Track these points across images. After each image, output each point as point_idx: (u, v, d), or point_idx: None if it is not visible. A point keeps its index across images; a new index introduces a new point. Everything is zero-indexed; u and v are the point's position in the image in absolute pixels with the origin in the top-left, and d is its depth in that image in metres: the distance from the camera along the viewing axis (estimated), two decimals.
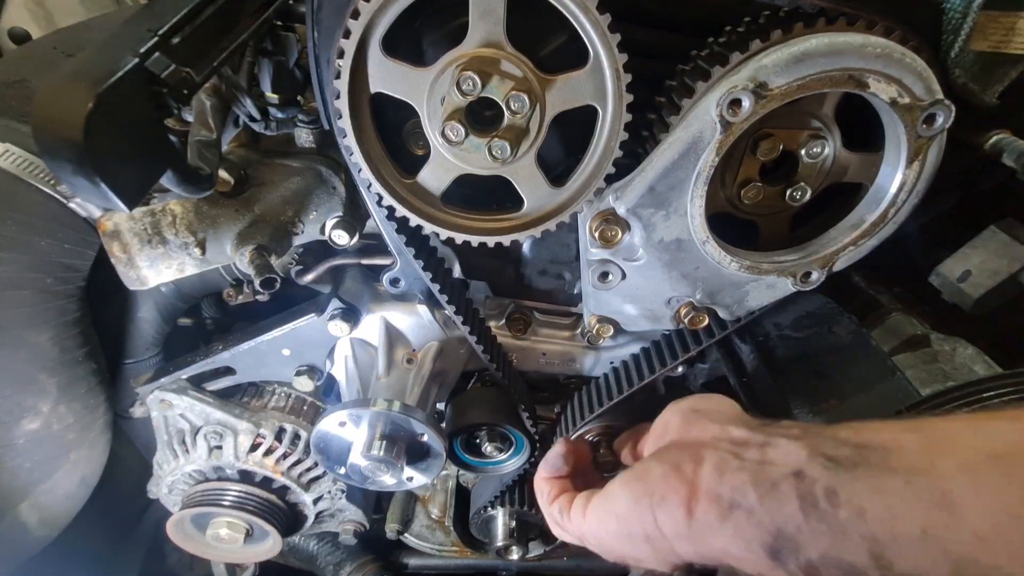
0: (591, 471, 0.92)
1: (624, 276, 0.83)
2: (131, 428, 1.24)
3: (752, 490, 0.49)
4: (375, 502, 1.45)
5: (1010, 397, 0.72)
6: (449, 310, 0.95)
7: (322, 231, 0.95)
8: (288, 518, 1.24)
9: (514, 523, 1.32)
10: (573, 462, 0.80)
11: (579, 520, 0.67)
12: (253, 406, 1.17)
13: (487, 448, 1.13)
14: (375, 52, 0.64)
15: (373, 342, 1.08)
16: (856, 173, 0.76)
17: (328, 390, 1.24)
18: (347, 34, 0.62)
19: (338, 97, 0.66)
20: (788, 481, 0.48)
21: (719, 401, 0.65)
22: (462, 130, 0.67)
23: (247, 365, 1.11)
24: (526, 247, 1.02)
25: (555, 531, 0.73)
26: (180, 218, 0.89)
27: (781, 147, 0.73)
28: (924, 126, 0.66)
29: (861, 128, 0.73)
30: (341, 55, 0.63)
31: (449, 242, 0.79)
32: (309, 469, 1.19)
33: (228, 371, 1.13)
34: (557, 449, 0.81)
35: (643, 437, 0.74)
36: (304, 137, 0.91)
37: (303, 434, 1.16)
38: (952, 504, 0.41)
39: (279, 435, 1.15)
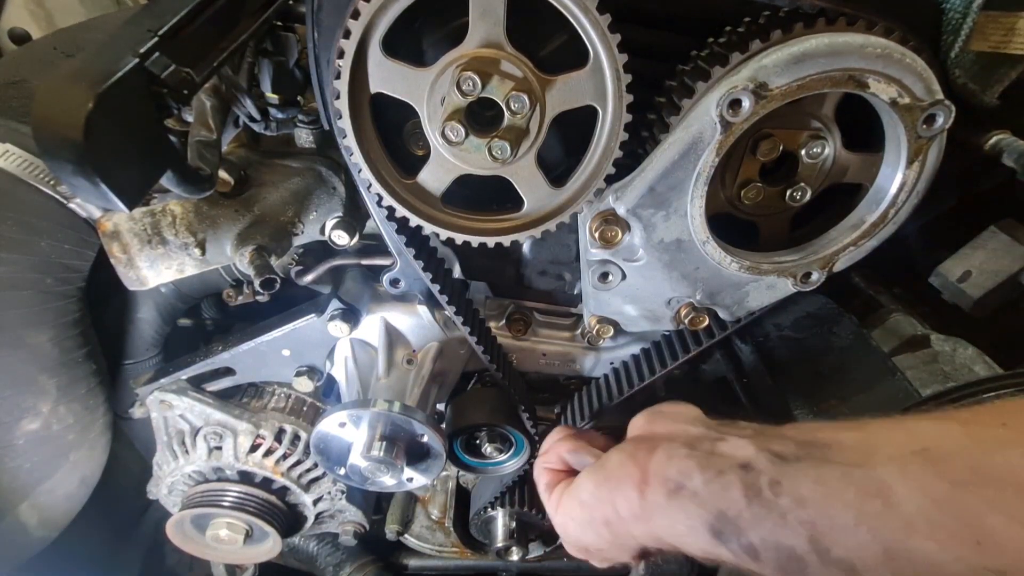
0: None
1: (624, 276, 0.83)
2: (131, 429, 1.24)
3: (698, 474, 0.54)
4: (375, 503, 1.44)
5: (1010, 397, 0.72)
6: (449, 311, 0.94)
7: (322, 231, 0.95)
8: (288, 519, 1.24)
9: (514, 524, 1.32)
10: (573, 449, 0.81)
11: (552, 510, 0.72)
12: (253, 407, 1.17)
13: (487, 449, 1.13)
14: (375, 52, 0.64)
15: (373, 343, 1.08)
16: (856, 173, 0.76)
17: (328, 391, 1.23)
18: (347, 34, 0.62)
19: (338, 97, 0.66)
20: (734, 471, 0.52)
21: (683, 405, 0.69)
22: (462, 130, 0.67)
23: (247, 366, 1.11)
24: (526, 248, 1.02)
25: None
26: (180, 218, 0.89)
27: (781, 147, 0.73)
28: (924, 126, 0.66)
29: (861, 128, 0.73)
30: (341, 55, 0.63)
31: (449, 242, 0.79)
32: (309, 470, 1.19)
33: (228, 372, 1.13)
34: (554, 436, 0.82)
35: None
36: (304, 137, 0.91)
37: (303, 435, 1.16)
38: (885, 493, 0.44)
39: (279, 436, 1.15)
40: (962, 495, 0.42)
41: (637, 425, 0.69)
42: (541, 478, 0.78)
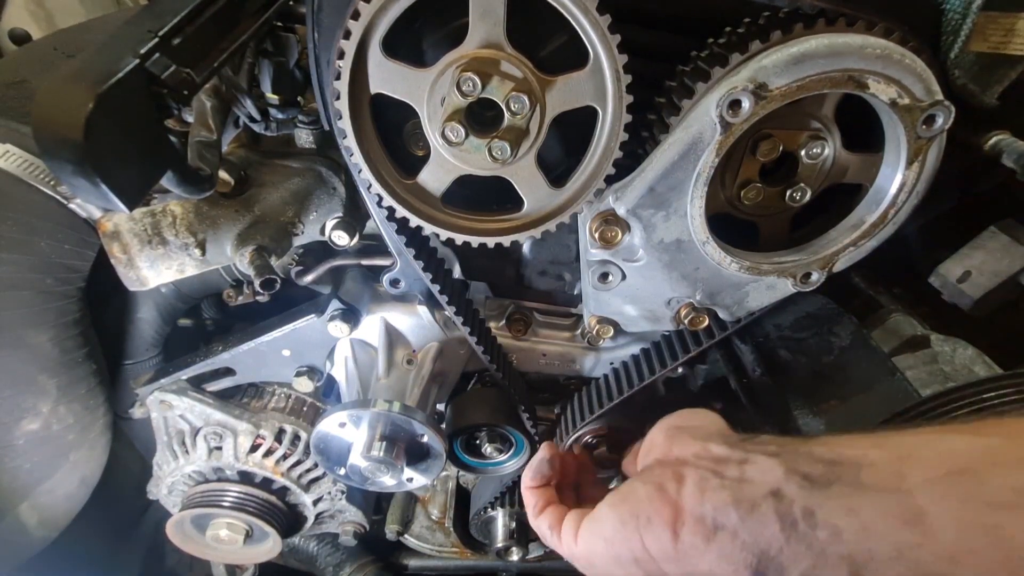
0: (589, 474, 0.92)
1: (624, 277, 0.83)
2: (131, 429, 1.24)
3: (734, 511, 0.51)
4: (375, 503, 1.44)
5: (1010, 398, 0.72)
6: (449, 311, 0.95)
7: (322, 232, 0.95)
8: (288, 519, 1.24)
9: (514, 524, 1.32)
10: (560, 467, 0.80)
11: (570, 542, 0.67)
12: (253, 407, 1.17)
13: (487, 449, 1.13)
14: (375, 53, 0.64)
15: (373, 343, 1.08)
16: (856, 174, 0.76)
17: (328, 391, 1.24)
18: (347, 35, 0.62)
19: (338, 98, 0.66)
20: (767, 501, 0.49)
21: (702, 417, 0.66)
22: (462, 131, 0.67)
23: (247, 366, 1.11)
24: (526, 248, 1.02)
25: (544, 542, 0.73)
26: (180, 219, 0.89)
27: (781, 148, 0.73)
28: (924, 127, 0.66)
29: (861, 129, 0.73)
30: (341, 56, 0.63)
31: (449, 243, 0.79)
32: (309, 470, 1.19)
33: (228, 372, 1.13)
34: (541, 454, 0.81)
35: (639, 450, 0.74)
36: (304, 138, 0.91)
37: (303, 435, 1.16)
38: (921, 521, 0.42)
39: (279, 436, 1.15)
40: (1002, 519, 0.40)
41: (657, 444, 0.66)
42: (541, 522, 0.74)
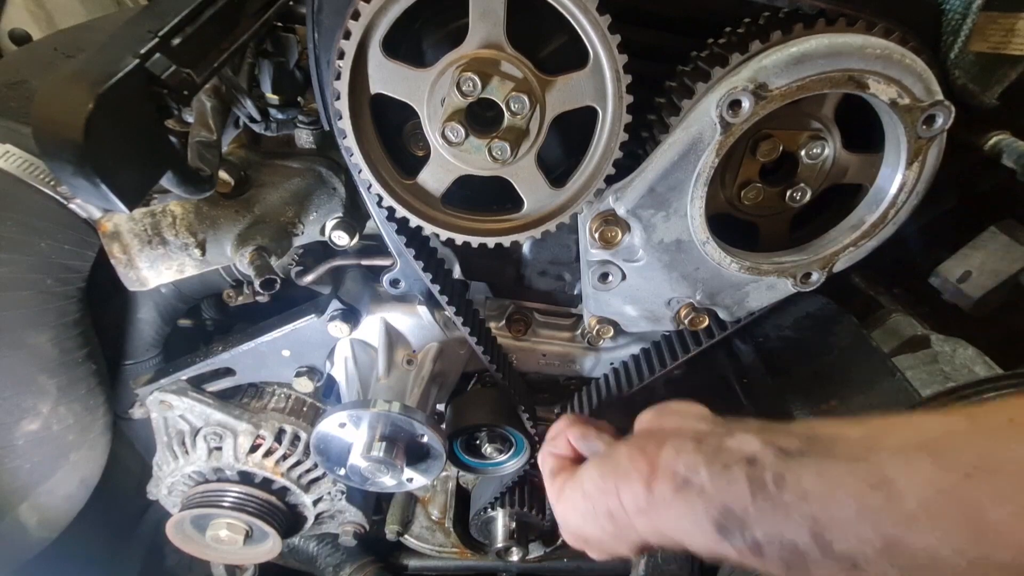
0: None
1: (624, 277, 0.83)
2: (131, 429, 1.24)
3: (704, 469, 0.53)
4: (375, 503, 1.44)
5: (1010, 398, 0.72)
6: (449, 311, 0.95)
7: (322, 232, 0.95)
8: (288, 519, 1.24)
9: (514, 524, 1.32)
10: (581, 434, 0.80)
11: (555, 497, 0.71)
12: (253, 407, 1.17)
13: (487, 449, 1.13)
14: (375, 53, 0.64)
15: (373, 343, 1.08)
16: (856, 174, 0.76)
17: (328, 391, 1.23)
18: (347, 35, 0.62)
19: (338, 98, 0.66)
20: (740, 465, 0.51)
21: (691, 404, 0.69)
22: (462, 131, 0.67)
23: (247, 366, 1.11)
24: (526, 248, 1.02)
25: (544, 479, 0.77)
26: (180, 219, 0.89)
27: (781, 148, 0.73)
28: (924, 127, 0.66)
29: (861, 129, 0.73)
30: (341, 56, 0.63)
31: (449, 243, 0.79)
32: (309, 470, 1.19)
33: (228, 372, 1.13)
34: (558, 427, 0.82)
35: None
36: (304, 138, 0.91)
37: (303, 435, 1.16)
38: (887, 486, 0.44)
39: (279, 436, 1.15)
40: (965, 487, 0.41)
41: (645, 420, 0.69)
42: (546, 464, 0.78)
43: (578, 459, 0.77)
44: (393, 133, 0.77)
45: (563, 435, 0.80)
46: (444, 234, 0.77)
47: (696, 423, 0.62)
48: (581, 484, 0.66)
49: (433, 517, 1.56)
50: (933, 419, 0.48)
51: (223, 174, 0.87)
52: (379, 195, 0.74)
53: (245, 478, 1.18)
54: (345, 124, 0.68)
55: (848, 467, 0.46)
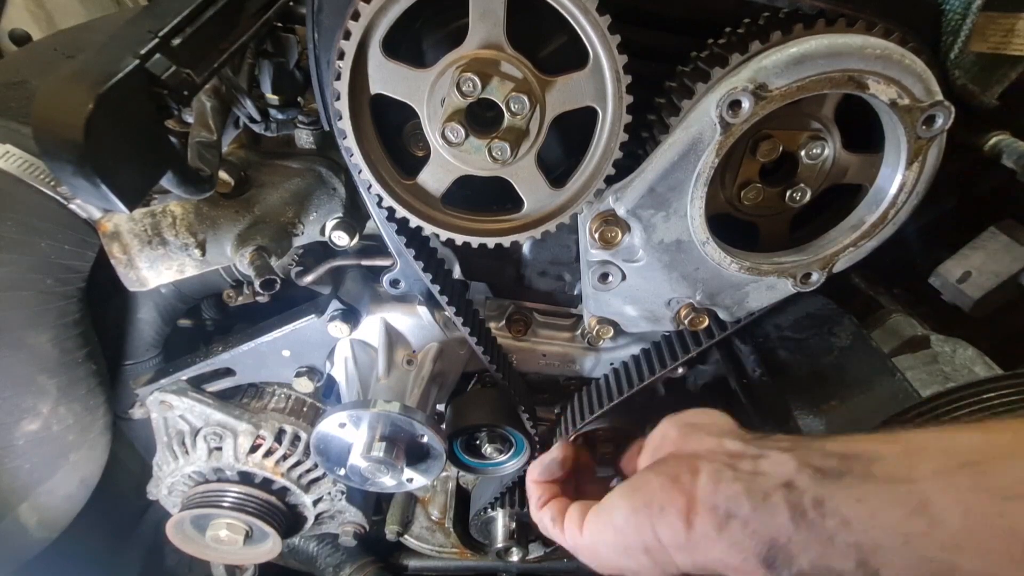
0: (588, 472, 0.92)
1: (624, 277, 0.83)
2: (131, 429, 1.24)
3: (746, 500, 0.51)
4: (375, 504, 1.44)
5: (1010, 398, 0.72)
6: (449, 311, 0.94)
7: (322, 232, 0.95)
8: (288, 519, 1.24)
9: (514, 524, 1.32)
10: (570, 467, 0.80)
11: (574, 533, 0.67)
12: (253, 407, 1.17)
13: (487, 449, 1.13)
14: (375, 53, 0.64)
15: (373, 343, 1.08)
16: (856, 174, 0.76)
17: (328, 391, 1.23)
18: (347, 35, 0.62)
19: (338, 98, 0.66)
20: (779, 492, 0.50)
21: (715, 415, 0.66)
22: (462, 131, 0.67)
23: (247, 366, 1.11)
24: (526, 248, 1.02)
25: (545, 534, 0.74)
26: (180, 219, 0.89)
27: (781, 148, 0.73)
28: (924, 127, 0.66)
29: (861, 129, 0.73)
30: (341, 56, 0.63)
31: (449, 243, 0.79)
32: (309, 470, 1.19)
33: (228, 372, 1.13)
34: (554, 454, 0.81)
35: (639, 448, 0.74)
36: (304, 138, 0.91)
37: (303, 435, 1.16)
38: (929, 511, 0.43)
39: (279, 436, 1.15)
40: (1007, 509, 0.40)
41: (669, 439, 0.66)
42: (544, 516, 0.75)
43: (567, 484, 0.77)
44: (393, 133, 0.77)
45: (539, 462, 0.78)
46: (444, 234, 0.77)
47: (725, 443, 0.59)
48: (611, 517, 0.62)
49: (433, 517, 1.56)
50: (973, 436, 0.47)
51: (223, 174, 0.87)
52: (379, 195, 0.74)
53: (245, 478, 1.18)
54: (345, 124, 0.68)
55: (888, 491, 0.46)
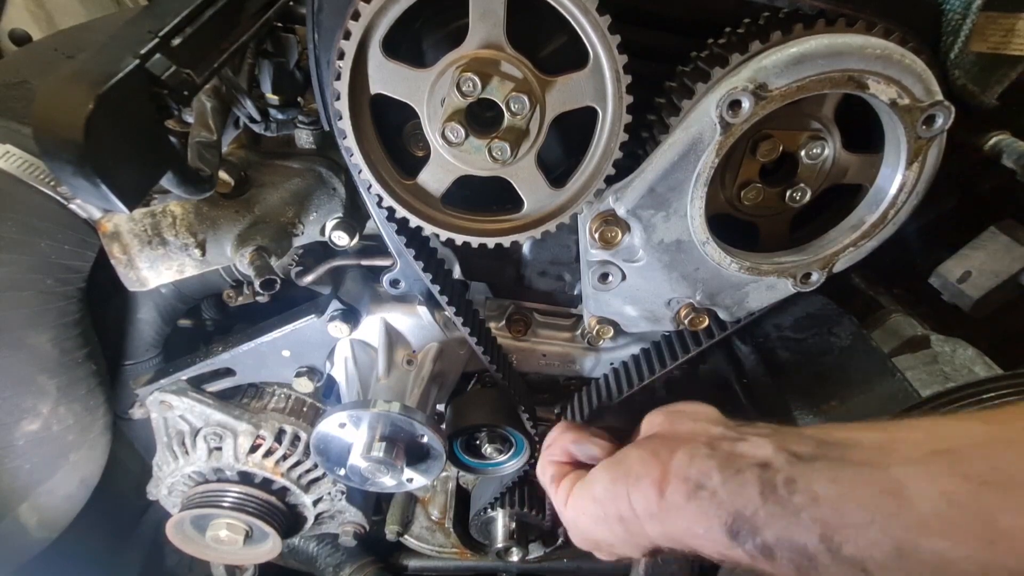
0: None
1: (624, 277, 0.83)
2: (131, 429, 1.24)
3: (717, 474, 0.53)
4: (375, 504, 1.44)
5: (1010, 398, 0.72)
6: (449, 311, 0.94)
7: (322, 232, 0.95)
8: (288, 520, 1.24)
9: (514, 524, 1.32)
10: (577, 440, 0.80)
11: (561, 503, 0.70)
12: (253, 407, 1.17)
13: (487, 450, 1.13)
14: (375, 53, 0.64)
15: (373, 343, 1.08)
16: (856, 174, 0.76)
17: (328, 391, 1.23)
18: (347, 35, 0.62)
19: (338, 98, 0.66)
20: (752, 470, 0.52)
21: (701, 405, 0.68)
22: (462, 131, 0.67)
23: (247, 366, 1.11)
24: (526, 248, 1.02)
25: (545, 489, 0.77)
26: (180, 219, 0.89)
27: (781, 148, 0.73)
28: (924, 127, 0.66)
29: (861, 129, 0.73)
30: (341, 56, 0.63)
31: (449, 243, 0.79)
32: (309, 471, 1.19)
33: (228, 372, 1.13)
34: (558, 430, 0.82)
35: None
36: (304, 138, 0.91)
37: (303, 435, 1.16)
38: (900, 492, 0.44)
39: (279, 436, 1.15)
40: (979, 494, 0.41)
41: (655, 423, 0.68)
42: (546, 471, 0.78)
43: (576, 464, 0.77)
44: (393, 133, 0.77)
45: (559, 442, 0.80)
46: (444, 234, 0.77)
47: (709, 427, 0.61)
48: (591, 488, 0.65)
49: (433, 517, 1.56)
50: (949, 425, 0.49)
51: (223, 174, 0.87)
52: (379, 195, 0.74)
53: (245, 478, 1.18)
54: (345, 124, 0.68)
55: (861, 472, 0.46)
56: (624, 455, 0.64)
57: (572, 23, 0.62)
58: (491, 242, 0.78)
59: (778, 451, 0.52)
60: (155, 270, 0.92)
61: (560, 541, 1.42)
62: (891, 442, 0.48)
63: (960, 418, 0.50)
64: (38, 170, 0.92)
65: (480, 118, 0.69)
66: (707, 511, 0.52)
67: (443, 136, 0.68)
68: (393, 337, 1.08)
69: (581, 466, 0.78)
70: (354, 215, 0.96)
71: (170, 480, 1.18)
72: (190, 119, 0.77)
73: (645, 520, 0.58)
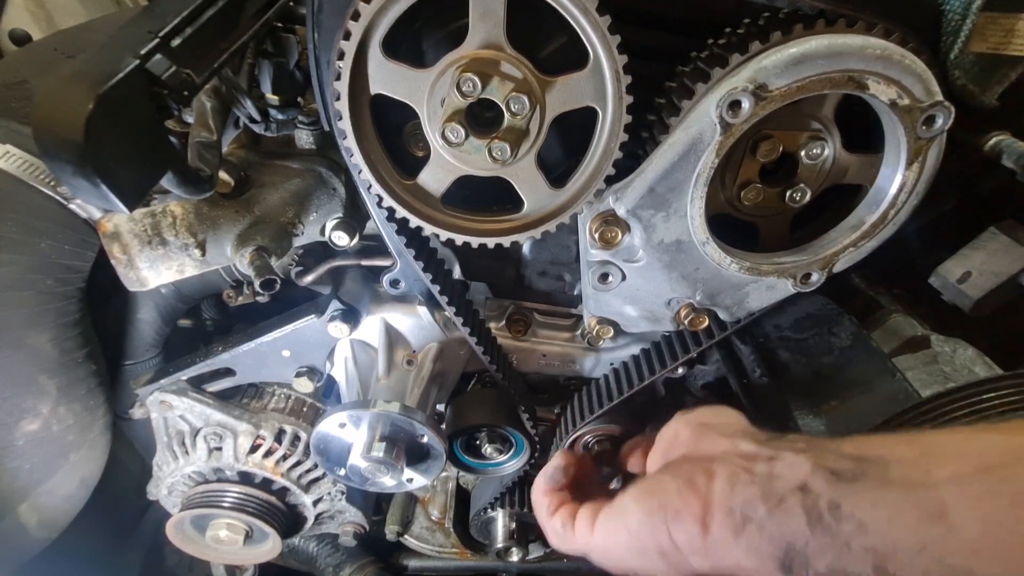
0: (591, 481, 0.92)
1: (624, 277, 0.83)
2: (131, 429, 1.24)
3: (762, 504, 0.51)
4: (375, 504, 1.44)
5: (1010, 399, 0.72)
6: (449, 311, 0.95)
7: (322, 232, 0.95)
8: (288, 520, 1.24)
9: (514, 524, 1.32)
10: (573, 474, 0.80)
11: (585, 534, 0.67)
12: (253, 407, 1.17)
13: (487, 450, 1.13)
14: (375, 54, 0.65)
15: (373, 343, 1.08)
16: (856, 174, 0.76)
17: (328, 391, 1.23)
18: (347, 36, 0.62)
19: (338, 98, 0.66)
20: (795, 495, 0.50)
21: (728, 414, 0.66)
22: (462, 131, 0.67)
23: (247, 366, 1.11)
24: (526, 248, 1.02)
25: (555, 543, 0.73)
26: (180, 219, 0.89)
27: (781, 148, 0.73)
28: (924, 127, 0.66)
29: (861, 129, 0.73)
30: (341, 56, 0.63)
31: (449, 243, 0.79)
32: (309, 471, 1.19)
33: (228, 372, 1.13)
34: (556, 462, 0.81)
35: (649, 446, 0.74)
36: (304, 138, 0.91)
37: (303, 435, 1.16)
38: (946, 516, 0.43)
39: (279, 436, 1.15)
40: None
41: (682, 440, 0.65)
42: (545, 501, 0.75)
43: (573, 490, 0.76)
44: (393, 133, 0.77)
45: (544, 473, 0.78)
46: (444, 234, 0.77)
47: (739, 444, 0.59)
48: (624, 519, 0.62)
49: (433, 517, 1.56)
50: (991, 439, 0.47)
51: (223, 174, 0.87)
52: (379, 195, 0.74)
53: (245, 478, 1.18)
54: (345, 124, 0.68)
55: (904, 495, 0.45)
56: (658, 484, 0.60)
57: (572, 23, 0.62)
58: (491, 242, 0.78)
59: (816, 470, 0.50)
60: (155, 270, 0.92)
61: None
62: (931, 458, 0.47)
63: (1004, 430, 0.48)
64: (38, 170, 0.92)
65: (480, 118, 0.69)
66: (758, 547, 0.51)
67: (443, 136, 0.68)
68: (393, 337, 1.08)
69: (579, 493, 0.78)
70: (354, 215, 0.96)
71: (170, 480, 1.18)
72: (190, 119, 0.77)
73: (689, 555, 0.56)
